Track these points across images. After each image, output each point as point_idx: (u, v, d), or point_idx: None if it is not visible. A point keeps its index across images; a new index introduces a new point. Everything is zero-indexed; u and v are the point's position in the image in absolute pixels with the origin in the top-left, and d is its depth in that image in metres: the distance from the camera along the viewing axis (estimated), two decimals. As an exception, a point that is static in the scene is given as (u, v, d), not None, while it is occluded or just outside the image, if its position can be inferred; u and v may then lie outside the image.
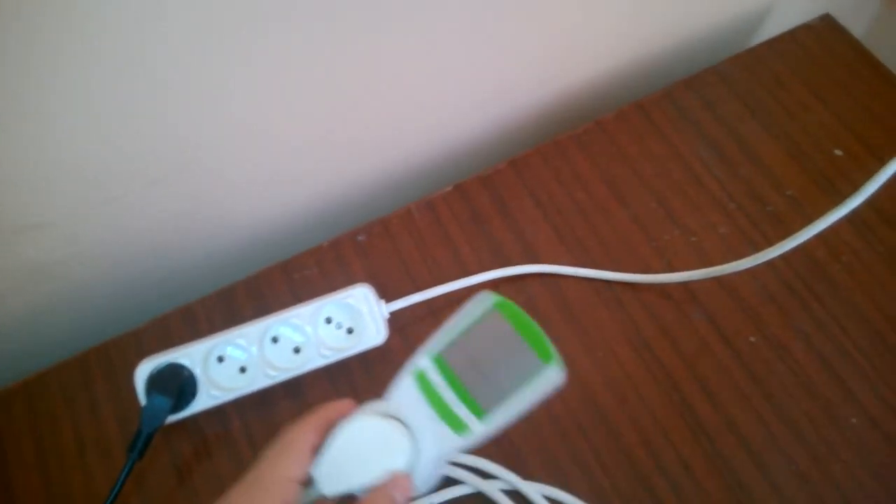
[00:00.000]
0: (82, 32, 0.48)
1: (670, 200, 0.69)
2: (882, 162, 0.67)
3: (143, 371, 0.59)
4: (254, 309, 0.66)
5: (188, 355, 0.59)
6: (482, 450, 0.59)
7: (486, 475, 0.58)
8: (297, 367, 0.60)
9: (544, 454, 0.59)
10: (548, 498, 0.57)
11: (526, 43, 0.71)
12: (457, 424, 0.43)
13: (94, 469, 0.61)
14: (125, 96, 0.54)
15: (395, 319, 0.63)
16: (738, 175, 0.70)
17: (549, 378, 0.43)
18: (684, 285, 0.65)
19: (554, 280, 0.66)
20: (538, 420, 0.60)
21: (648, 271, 0.66)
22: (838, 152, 0.70)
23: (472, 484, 0.58)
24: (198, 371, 0.59)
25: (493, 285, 0.66)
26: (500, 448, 0.59)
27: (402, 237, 0.69)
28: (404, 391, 0.45)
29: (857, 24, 0.88)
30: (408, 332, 0.64)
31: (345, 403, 0.45)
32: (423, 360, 0.45)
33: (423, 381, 0.44)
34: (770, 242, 0.64)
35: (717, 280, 0.65)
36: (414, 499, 0.45)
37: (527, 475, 0.58)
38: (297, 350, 0.61)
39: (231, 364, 0.60)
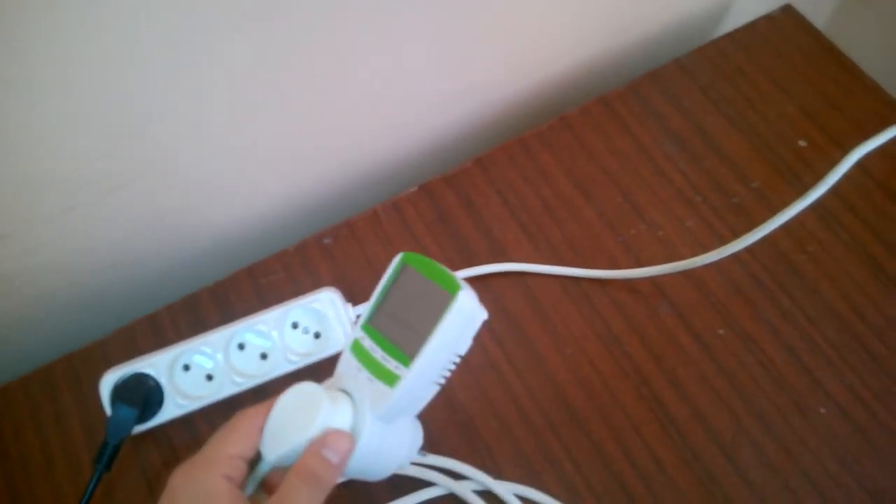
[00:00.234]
0: (36, 36, 0.48)
1: (636, 195, 0.69)
2: (844, 151, 0.68)
3: (108, 382, 0.58)
4: (220, 315, 0.66)
5: (153, 365, 0.58)
6: (453, 451, 0.59)
7: (457, 476, 0.58)
8: (265, 373, 0.60)
9: (515, 453, 0.59)
10: (520, 497, 0.57)
11: (488, 40, 0.71)
12: (388, 377, 0.44)
13: (61, 482, 0.60)
14: (78, 103, 0.53)
15: (362, 322, 0.62)
16: (703, 168, 0.70)
17: (458, 306, 0.43)
18: (652, 280, 0.65)
19: (522, 278, 0.66)
20: (509, 419, 0.60)
21: (616, 267, 0.66)
22: (802, 143, 0.71)
23: (444, 485, 0.57)
24: (163, 380, 0.59)
25: (461, 285, 0.65)
26: (471, 448, 0.59)
27: (368, 239, 0.69)
28: (346, 364, 0.47)
29: (818, 14, 0.89)
30: (376, 334, 0.63)
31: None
32: (356, 332, 0.47)
33: (358, 350, 0.46)
34: (736, 235, 0.64)
35: (685, 274, 0.65)
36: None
37: (498, 475, 0.58)
38: (263, 356, 0.60)
39: (197, 372, 0.60)
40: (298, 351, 0.60)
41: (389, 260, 0.66)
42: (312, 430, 0.42)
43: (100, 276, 0.69)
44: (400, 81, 0.69)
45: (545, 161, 0.72)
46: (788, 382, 0.61)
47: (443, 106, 0.76)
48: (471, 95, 0.77)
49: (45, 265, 0.64)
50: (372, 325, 0.47)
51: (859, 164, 0.68)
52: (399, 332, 0.45)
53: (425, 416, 0.60)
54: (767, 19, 0.79)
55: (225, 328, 0.60)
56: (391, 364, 0.44)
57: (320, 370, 0.61)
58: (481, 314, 0.45)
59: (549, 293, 0.65)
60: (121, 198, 0.62)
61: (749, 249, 0.64)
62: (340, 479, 0.43)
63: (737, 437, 0.59)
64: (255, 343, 0.60)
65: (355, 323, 0.61)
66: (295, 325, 0.61)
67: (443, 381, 0.46)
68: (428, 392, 0.46)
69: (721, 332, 0.63)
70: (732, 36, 0.79)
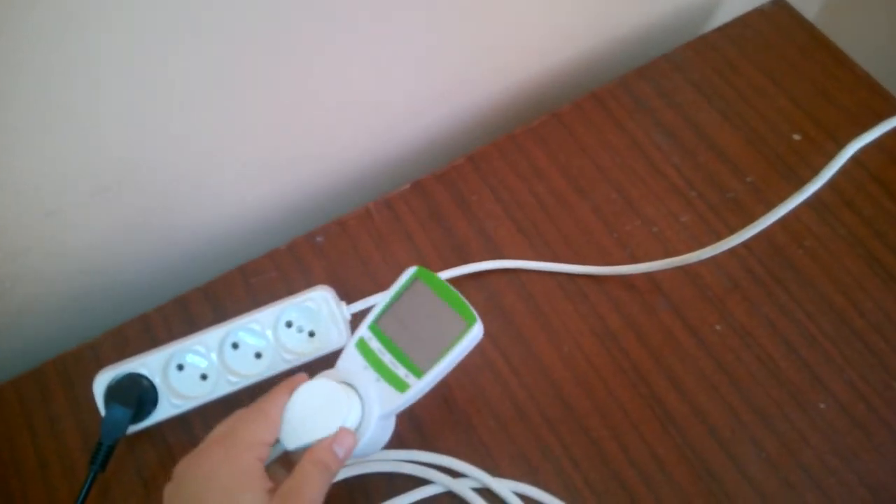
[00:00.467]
0: (18, 36, 0.47)
1: (630, 190, 0.69)
2: (840, 145, 0.68)
3: (101, 382, 0.57)
4: (213, 315, 0.65)
5: (146, 365, 0.58)
6: (451, 449, 0.58)
7: (455, 474, 0.58)
8: (259, 372, 0.59)
9: (513, 451, 0.59)
10: (519, 494, 0.57)
11: (478, 36, 0.70)
12: (398, 383, 0.50)
13: (56, 483, 0.59)
14: (60, 105, 0.53)
15: (357, 321, 0.61)
16: (697, 163, 0.70)
17: (473, 335, 0.50)
18: (648, 276, 0.65)
19: (517, 275, 0.66)
20: (506, 417, 0.60)
21: (611, 263, 0.65)
22: (796, 136, 0.71)
23: (442, 483, 0.57)
24: (157, 380, 0.58)
25: (456, 283, 0.65)
26: (468, 447, 0.59)
27: (361, 237, 0.68)
28: (350, 359, 0.51)
29: (809, 6, 0.89)
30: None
31: (302, 376, 0.50)
32: (362, 331, 0.52)
33: (364, 349, 0.51)
34: (732, 230, 0.64)
35: (681, 269, 0.65)
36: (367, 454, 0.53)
37: (496, 473, 0.58)
38: (258, 355, 0.60)
39: (191, 372, 0.59)
40: (293, 350, 0.59)
41: (382, 257, 0.67)
42: (332, 430, 0.47)
43: (86, 278, 0.68)
44: (390, 79, 0.69)
45: (538, 157, 0.71)
46: (787, 378, 0.60)
47: (434, 103, 0.75)
48: (462, 93, 0.76)
49: (30, 269, 0.63)
50: (379, 328, 0.52)
51: (854, 158, 0.68)
52: (409, 343, 0.51)
53: (422, 416, 0.60)
54: (759, 12, 0.79)
55: (219, 327, 0.59)
56: (401, 371, 0.50)
57: (315, 369, 0.61)
58: (481, 334, 0.51)
59: (545, 290, 0.65)
60: (106, 200, 0.62)
61: (745, 244, 0.63)
62: None
63: (736, 433, 0.58)
64: (250, 342, 0.60)
65: (350, 321, 0.61)
66: (289, 324, 0.60)
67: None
68: (421, 395, 0.51)
69: (718, 327, 0.62)
70: (723, 30, 0.78)
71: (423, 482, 0.57)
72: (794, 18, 0.79)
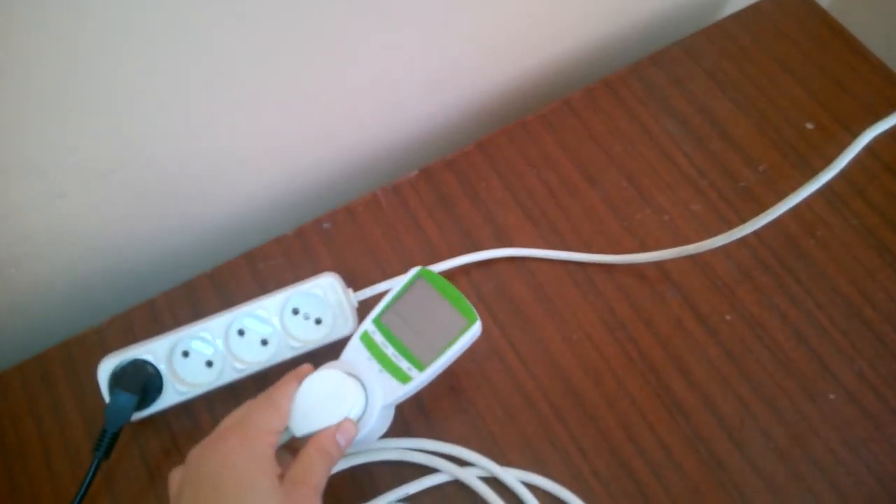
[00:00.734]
0: (26, 21, 0.46)
1: (641, 179, 0.68)
2: (853, 134, 0.67)
3: (106, 368, 0.57)
4: (219, 301, 0.65)
5: (151, 351, 0.57)
6: (457, 438, 0.58)
7: (462, 462, 0.57)
8: (266, 360, 0.59)
9: (521, 440, 0.58)
10: (526, 483, 0.56)
11: (489, 21, 0.70)
12: (401, 375, 0.52)
13: (60, 470, 0.59)
14: (68, 86, 0.52)
15: (364, 308, 0.61)
16: (709, 151, 0.69)
17: (473, 332, 0.53)
18: (658, 265, 0.64)
19: (525, 263, 0.65)
20: (513, 406, 0.59)
21: (621, 251, 0.65)
22: (809, 125, 0.70)
23: (449, 472, 0.57)
24: (162, 367, 0.58)
25: (464, 271, 0.64)
26: (475, 435, 0.58)
27: (368, 224, 0.68)
28: (354, 351, 0.53)
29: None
30: (378, 320, 0.62)
31: (307, 367, 0.52)
32: (366, 325, 0.54)
33: (368, 342, 0.53)
34: (743, 219, 0.63)
35: (691, 258, 0.64)
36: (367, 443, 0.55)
37: (504, 462, 0.57)
38: (264, 342, 0.59)
39: (197, 359, 0.59)
40: (299, 337, 0.59)
41: (390, 245, 0.67)
42: (338, 418, 0.49)
43: (92, 263, 0.68)
44: (399, 64, 0.68)
45: (548, 144, 0.71)
46: (797, 368, 0.60)
47: (443, 89, 0.74)
48: (471, 79, 0.76)
49: (35, 253, 0.63)
50: (383, 323, 0.54)
51: (867, 147, 0.67)
52: (412, 338, 0.53)
53: (430, 404, 0.59)
54: (773, 0, 0.78)
55: (224, 314, 0.58)
56: (403, 364, 0.52)
57: (322, 356, 0.60)
58: (479, 332, 0.54)
59: (554, 279, 0.64)
60: (112, 183, 0.61)
61: (757, 234, 0.63)
62: None
63: (745, 423, 0.58)
64: (256, 329, 0.59)
65: (357, 308, 0.60)
66: (296, 311, 0.60)
67: None
68: (422, 388, 0.53)
69: (728, 317, 0.62)
70: (737, 17, 0.77)
71: (429, 470, 0.57)
72: (808, 6, 0.78)
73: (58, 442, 0.60)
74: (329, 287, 0.59)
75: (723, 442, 0.57)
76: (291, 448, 0.50)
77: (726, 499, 0.56)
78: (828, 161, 0.65)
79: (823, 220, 0.65)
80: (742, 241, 0.63)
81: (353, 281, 0.63)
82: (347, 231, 0.68)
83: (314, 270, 0.62)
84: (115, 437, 0.56)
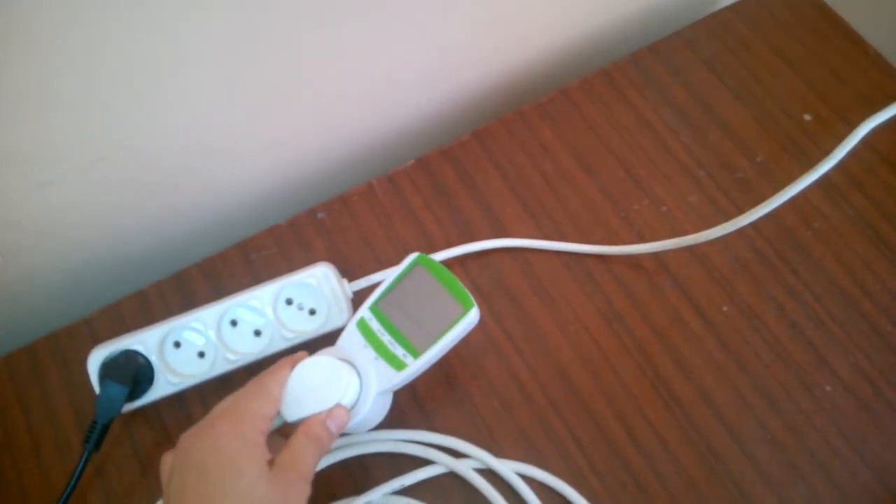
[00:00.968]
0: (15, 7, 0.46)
1: (638, 169, 0.68)
2: (851, 126, 0.66)
3: (96, 359, 0.56)
4: (211, 292, 0.64)
5: (142, 341, 0.57)
6: (454, 429, 0.57)
7: (458, 454, 0.57)
8: (259, 351, 0.58)
9: (517, 432, 0.58)
10: (521, 475, 0.56)
11: (487, 11, 0.69)
12: (396, 362, 0.51)
13: (49, 462, 0.58)
14: (58, 71, 0.51)
15: (359, 299, 0.60)
16: (707, 142, 0.69)
17: (469, 319, 0.51)
18: (655, 256, 0.64)
19: (522, 254, 0.65)
20: (509, 398, 0.59)
21: (618, 243, 0.64)
22: (807, 117, 0.69)
23: (445, 463, 0.56)
24: (154, 357, 0.57)
25: (460, 261, 0.64)
26: (471, 427, 0.58)
27: (363, 213, 0.67)
28: (350, 338, 0.53)
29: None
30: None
31: (302, 354, 0.52)
32: (363, 311, 0.53)
33: (364, 328, 0.53)
34: (741, 210, 0.63)
35: (689, 249, 0.64)
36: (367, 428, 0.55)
37: (500, 454, 0.57)
38: (257, 333, 0.58)
39: (188, 349, 0.58)
40: (293, 328, 0.58)
41: (385, 234, 0.66)
42: (330, 405, 0.49)
43: (81, 253, 0.67)
44: (395, 51, 0.68)
45: (545, 134, 0.70)
46: (794, 360, 0.60)
47: (440, 78, 0.74)
48: (468, 68, 0.75)
49: (22, 243, 0.62)
50: (379, 309, 0.53)
51: (865, 139, 0.67)
52: (408, 325, 0.52)
53: (425, 395, 0.59)
54: (771, -10, 0.78)
55: (217, 304, 0.58)
56: (398, 351, 0.51)
57: (316, 348, 0.60)
58: (477, 319, 0.52)
59: (550, 270, 0.64)
60: (102, 172, 0.60)
61: (754, 225, 0.62)
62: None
63: (741, 414, 0.58)
64: (249, 320, 0.59)
65: (352, 299, 0.59)
66: (289, 302, 0.59)
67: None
68: (418, 375, 0.52)
69: (725, 308, 0.62)
70: (735, 7, 0.77)
71: (425, 462, 0.57)
72: (806, -4, 0.77)
73: (47, 434, 0.59)
74: (323, 277, 0.59)
75: (719, 433, 0.57)
76: (284, 433, 0.49)
77: (722, 491, 0.55)
78: (825, 152, 0.65)
79: (821, 212, 0.65)
80: (740, 233, 0.63)
81: (348, 271, 0.62)
82: (342, 221, 0.67)
83: (308, 261, 0.61)
84: (106, 428, 0.55)
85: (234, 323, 0.58)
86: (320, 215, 0.67)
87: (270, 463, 0.45)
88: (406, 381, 0.52)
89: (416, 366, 0.51)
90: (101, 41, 0.51)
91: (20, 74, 0.50)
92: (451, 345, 0.52)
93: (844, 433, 0.57)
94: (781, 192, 0.60)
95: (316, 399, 0.49)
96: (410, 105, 0.74)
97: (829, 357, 0.60)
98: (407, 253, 0.55)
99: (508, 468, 0.56)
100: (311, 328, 0.59)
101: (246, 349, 0.58)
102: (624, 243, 0.64)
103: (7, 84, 0.50)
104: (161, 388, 0.57)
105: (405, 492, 0.56)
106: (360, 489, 0.56)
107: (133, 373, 0.56)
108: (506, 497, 0.55)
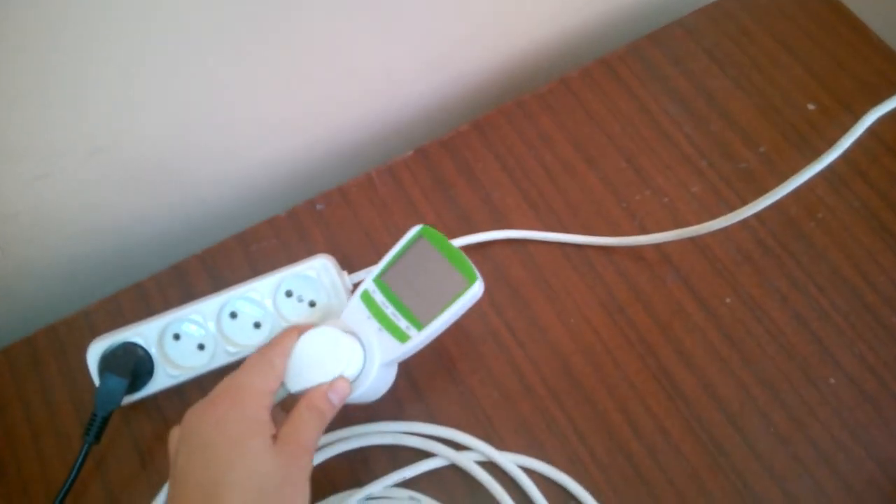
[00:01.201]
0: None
1: (640, 160, 0.67)
2: (855, 115, 0.66)
3: (95, 351, 0.56)
4: (210, 284, 0.64)
5: (142, 334, 0.56)
6: (454, 421, 0.57)
7: (459, 447, 0.56)
8: (259, 343, 0.57)
9: (518, 424, 0.57)
10: (523, 468, 0.56)
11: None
12: (399, 334, 0.51)
13: (49, 455, 0.58)
14: (55, 62, 0.51)
15: (359, 290, 0.60)
16: (709, 132, 0.68)
17: (473, 292, 0.51)
18: (657, 247, 0.63)
19: (523, 245, 0.64)
20: (510, 389, 0.59)
21: (620, 234, 0.64)
22: (811, 106, 0.69)
23: (445, 456, 0.56)
24: (153, 350, 0.56)
25: (461, 252, 0.63)
26: (473, 419, 0.58)
27: (362, 205, 0.67)
28: (354, 310, 0.53)
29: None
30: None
31: (307, 325, 0.52)
32: (367, 283, 0.53)
33: (368, 301, 0.53)
34: (744, 201, 0.62)
35: (691, 241, 0.63)
36: (366, 402, 0.54)
37: (501, 446, 0.56)
38: (257, 325, 0.58)
39: (188, 342, 0.58)
40: (293, 319, 0.58)
41: (385, 226, 0.65)
42: (333, 376, 0.49)
43: (79, 245, 0.66)
44: (393, 40, 0.67)
45: (545, 124, 0.70)
46: (797, 351, 0.59)
47: (439, 67, 0.73)
48: (468, 57, 0.74)
49: (20, 235, 0.62)
50: (383, 282, 0.53)
51: (869, 129, 0.66)
52: (411, 298, 0.52)
53: (425, 387, 0.59)
54: (773, -21, 0.77)
55: (216, 296, 0.57)
56: (402, 323, 0.51)
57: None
58: (481, 292, 0.52)
59: (551, 261, 0.63)
60: (99, 163, 0.60)
61: (757, 216, 0.62)
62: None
63: (744, 406, 0.57)
64: (248, 312, 0.58)
65: (353, 291, 0.59)
66: (289, 294, 0.59)
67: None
68: (421, 347, 0.52)
69: (728, 300, 0.61)
70: (737, -5, 0.76)
71: (426, 455, 0.56)
72: (808, -15, 0.76)
73: (47, 426, 0.59)
74: (323, 269, 0.58)
75: (722, 426, 0.57)
76: (286, 406, 0.50)
77: (726, 483, 0.55)
78: (829, 142, 0.64)
79: (825, 203, 0.64)
80: (743, 224, 0.62)
81: (347, 263, 0.62)
82: (341, 212, 0.66)
83: (307, 252, 0.61)
84: (106, 421, 0.55)
85: (233, 315, 0.58)
86: (319, 207, 0.67)
87: (274, 437, 0.45)
88: (410, 354, 0.52)
89: (420, 338, 0.51)
90: (95, 37, 0.50)
91: (13, 67, 0.49)
92: (456, 318, 0.52)
93: (849, 425, 0.57)
94: (785, 183, 0.60)
95: (319, 370, 0.49)
96: (409, 94, 0.74)
97: (833, 349, 0.59)
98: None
99: (510, 460, 0.56)
100: (311, 320, 0.58)
101: (246, 341, 0.58)
102: (626, 234, 0.63)
103: (2, 79, 0.50)
104: (161, 380, 0.57)
105: (406, 484, 0.55)
106: (360, 482, 0.55)
107: (133, 365, 0.55)
108: (507, 489, 0.55)
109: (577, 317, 0.61)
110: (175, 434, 0.47)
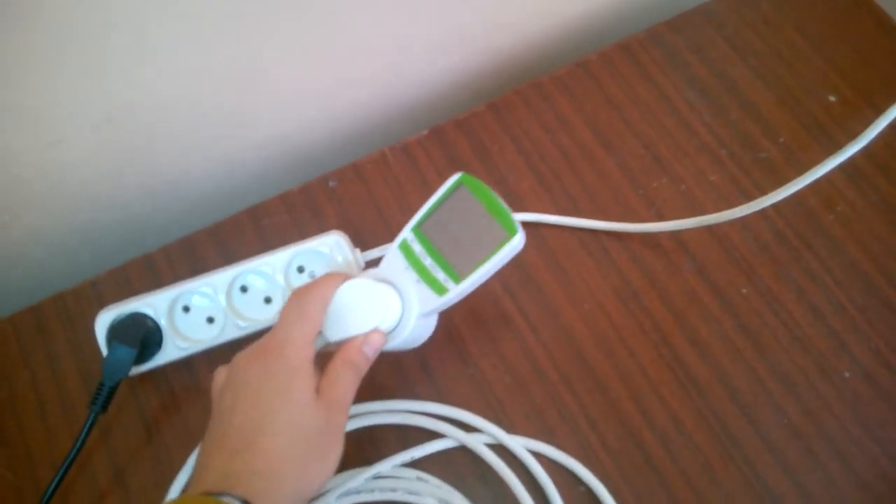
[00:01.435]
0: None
1: (658, 146, 0.67)
2: (877, 109, 0.65)
3: (104, 321, 0.55)
4: (220, 258, 0.63)
5: (151, 304, 0.56)
6: (466, 403, 0.57)
7: (469, 428, 0.56)
8: (269, 318, 0.57)
9: (529, 408, 0.57)
10: (533, 452, 0.55)
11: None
12: (437, 287, 0.51)
13: (55, 425, 0.58)
14: (62, 31, 0.50)
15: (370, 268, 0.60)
16: (729, 121, 0.67)
17: (513, 245, 0.49)
18: (674, 235, 0.63)
19: (537, 229, 0.63)
20: (522, 374, 0.58)
21: (636, 220, 0.63)
22: (832, 98, 0.68)
23: (455, 437, 0.55)
24: (163, 321, 0.56)
25: (475, 233, 0.63)
26: (484, 402, 0.57)
27: (376, 182, 0.66)
28: (393, 260, 0.52)
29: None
30: (385, 281, 0.61)
31: (344, 274, 0.52)
32: (405, 233, 0.53)
33: (406, 251, 0.52)
34: (762, 191, 0.61)
35: (708, 229, 0.62)
36: (401, 349, 0.54)
37: (511, 430, 0.56)
38: (267, 300, 0.58)
39: (198, 314, 0.57)
40: (305, 296, 0.57)
41: (398, 204, 0.65)
42: (370, 326, 0.50)
43: (89, 213, 0.66)
44: (412, 17, 0.66)
45: (562, 107, 0.69)
46: (813, 344, 0.58)
47: (456, 46, 0.72)
48: (485, 37, 0.74)
49: (30, 201, 0.61)
50: (421, 232, 0.52)
51: (891, 123, 0.65)
52: (450, 249, 0.51)
53: (437, 368, 0.58)
54: (795, -32, 0.76)
55: (227, 269, 0.57)
56: (440, 275, 0.51)
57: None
58: (521, 245, 0.50)
59: (566, 246, 0.63)
60: (111, 132, 0.59)
61: (775, 206, 0.61)
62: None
63: (758, 398, 0.57)
64: (259, 286, 0.58)
65: (364, 269, 0.58)
66: (300, 269, 0.58)
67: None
68: (459, 300, 0.51)
69: (744, 290, 0.60)
70: (758, -16, 0.75)
71: (435, 435, 0.56)
72: (831, -25, 0.76)
73: (53, 395, 0.58)
74: (336, 245, 0.58)
75: (734, 416, 0.56)
76: (324, 354, 0.51)
77: (737, 474, 0.54)
78: (850, 135, 0.63)
79: (844, 196, 0.64)
80: (761, 214, 0.62)
81: (360, 240, 0.61)
82: (354, 189, 0.66)
83: (319, 229, 0.60)
84: (113, 390, 0.54)
85: (244, 289, 0.57)
86: (332, 183, 0.66)
87: (316, 390, 0.47)
88: (447, 305, 0.51)
89: (457, 291, 0.50)
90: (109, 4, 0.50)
91: (29, 30, 0.49)
92: (494, 271, 0.50)
93: (862, 420, 0.56)
94: (804, 175, 0.59)
95: (358, 320, 0.50)
96: (425, 72, 0.73)
97: (848, 343, 0.59)
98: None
99: (519, 444, 0.55)
100: (322, 297, 0.57)
101: (256, 316, 0.57)
102: (642, 221, 0.63)
103: (16, 39, 0.49)
104: (169, 352, 0.56)
105: (415, 464, 0.55)
106: (369, 460, 0.55)
107: (141, 336, 0.55)
108: (516, 473, 0.54)
109: (590, 302, 0.60)
110: (222, 373, 0.48)
